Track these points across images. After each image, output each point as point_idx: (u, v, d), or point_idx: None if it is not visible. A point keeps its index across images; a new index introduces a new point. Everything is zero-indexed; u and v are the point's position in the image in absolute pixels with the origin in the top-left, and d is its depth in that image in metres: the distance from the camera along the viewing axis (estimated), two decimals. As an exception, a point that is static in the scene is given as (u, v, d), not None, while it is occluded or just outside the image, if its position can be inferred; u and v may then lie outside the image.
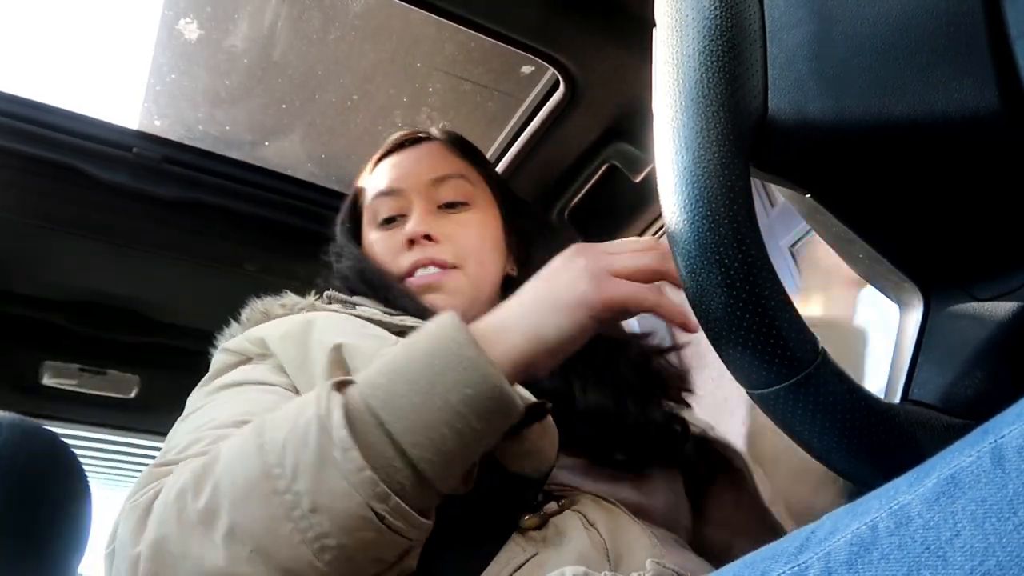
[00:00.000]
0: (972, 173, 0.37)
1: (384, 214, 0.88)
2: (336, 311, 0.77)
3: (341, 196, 1.29)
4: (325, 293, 0.82)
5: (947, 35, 0.32)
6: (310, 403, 0.53)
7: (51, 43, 1.30)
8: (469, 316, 0.82)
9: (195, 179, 1.23)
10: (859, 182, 0.39)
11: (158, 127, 1.30)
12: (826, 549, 0.29)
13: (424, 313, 0.77)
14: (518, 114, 1.24)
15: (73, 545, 0.78)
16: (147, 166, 1.19)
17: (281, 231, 1.28)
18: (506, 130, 1.25)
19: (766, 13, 0.36)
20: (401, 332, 0.72)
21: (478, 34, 1.03)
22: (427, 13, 1.00)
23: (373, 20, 1.25)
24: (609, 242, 0.61)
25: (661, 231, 1.30)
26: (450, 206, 0.87)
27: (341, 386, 0.53)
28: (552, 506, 0.62)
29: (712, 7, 0.35)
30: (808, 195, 0.41)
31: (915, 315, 0.42)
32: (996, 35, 0.31)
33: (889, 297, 0.44)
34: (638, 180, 1.20)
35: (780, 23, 0.36)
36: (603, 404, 0.71)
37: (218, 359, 0.74)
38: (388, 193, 0.88)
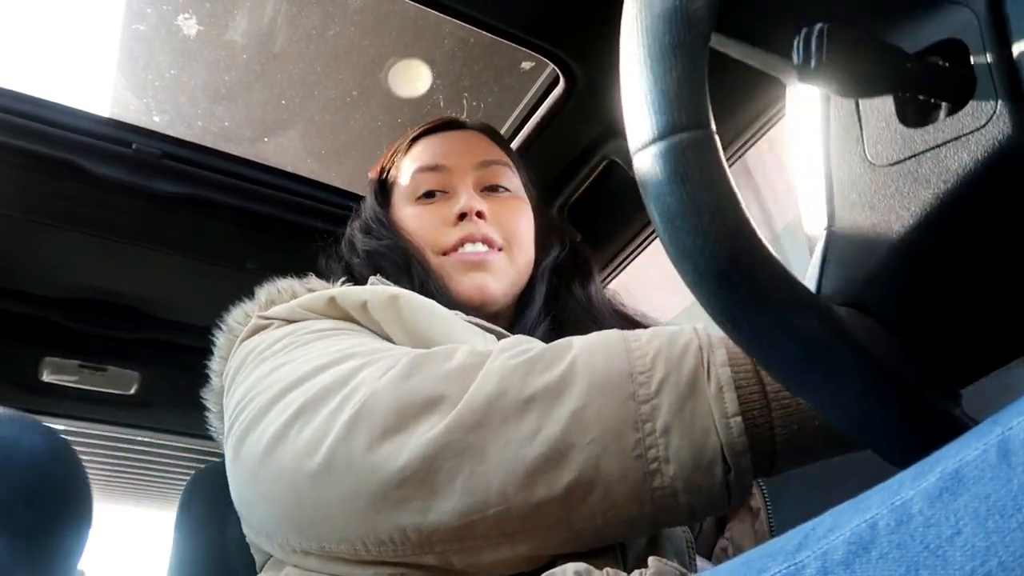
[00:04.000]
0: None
1: (426, 188, 0.87)
2: (415, 296, 0.73)
3: (341, 192, 1.30)
4: (372, 278, 0.80)
5: None
6: (686, 332, 0.50)
7: (38, 36, 1.30)
8: (504, 301, 0.83)
9: (195, 175, 1.22)
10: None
11: (157, 123, 1.30)
12: (824, 547, 0.28)
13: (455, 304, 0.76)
14: (518, 110, 1.23)
15: (73, 542, 0.78)
16: (146, 162, 1.18)
17: (281, 227, 1.28)
18: (506, 126, 1.25)
19: None
20: None
21: (478, 29, 1.03)
22: (427, 8, 0.99)
23: (372, 16, 1.24)
24: None
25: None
26: (494, 189, 0.88)
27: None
28: None
29: None
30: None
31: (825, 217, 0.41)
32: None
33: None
34: (638, 176, 1.19)
35: None
36: None
37: (268, 322, 0.70)
38: (433, 168, 0.88)
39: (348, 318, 0.68)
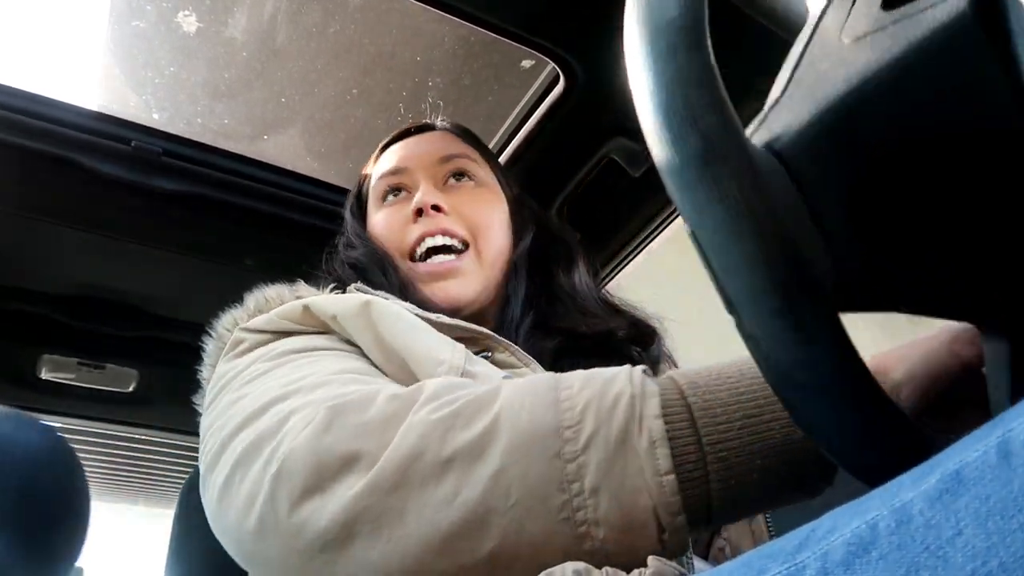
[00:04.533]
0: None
1: (388, 190, 0.88)
2: (389, 303, 0.72)
3: (341, 191, 1.30)
4: (351, 286, 0.80)
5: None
6: (620, 376, 0.48)
7: (36, 32, 1.29)
8: (481, 301, 0.82)
9: (194, 173, 1.22)
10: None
11: (157, 120, 1.30)
12: (824, 548, 0.28)
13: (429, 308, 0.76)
14: (518, 108, 1.23)
15: (71, 539, 0.78)
16: (146, 159, 1.18)
17: (280, 225, 1.28)
18: (506, 124, 1.25)
19: None
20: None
21: (478, 28, 1.02)
22: (427, 6, 0.99)
23: (372, 13, 1.24)
24: None
25: (660, 227, 1.30)
26: (457, 176, 0.87)
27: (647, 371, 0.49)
28: None
29: None
30: None
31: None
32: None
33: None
34: (638, 175, 1.19)
35: None
36: None
37: (248, 336, 0.69)
38: (394, 172, 0.88)
39: (324, 327, 0.68)
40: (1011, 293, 0.36)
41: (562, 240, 0.92)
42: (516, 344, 0.76)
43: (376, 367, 0.65)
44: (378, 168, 0.92)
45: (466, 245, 0.83)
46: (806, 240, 0.36)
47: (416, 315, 0.70)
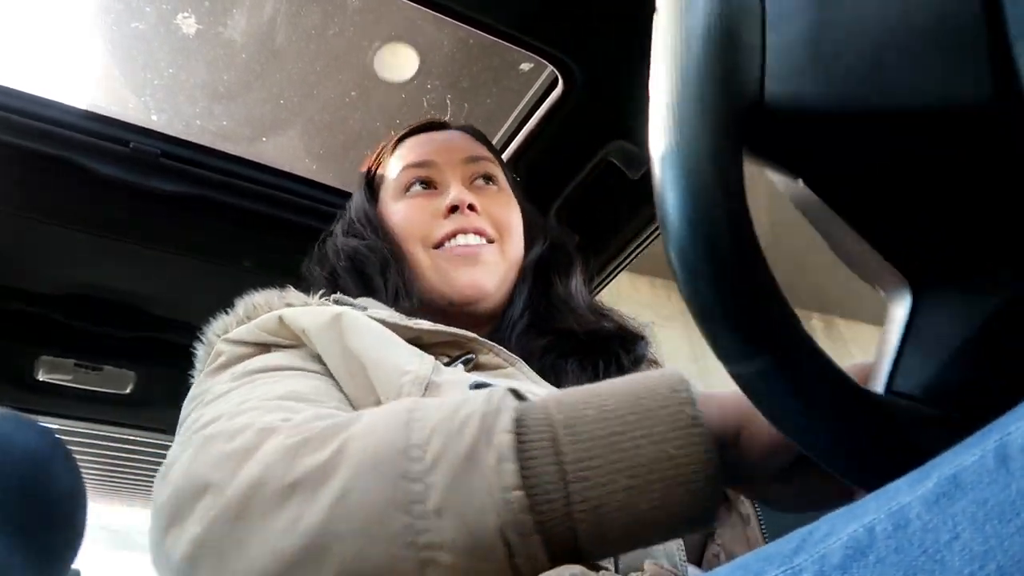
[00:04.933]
0: (965, 168, 0.37)
1: (416, 182, 0.87)
2: (360, 315, 0.72)
3: (339, 192, 1.30)
4: (332, 297, 0.79)
5: (945, 29, 0.32)
6: (480, 396, 0.46)
7: (35, 33, 1.29)
8: (496, 296, 0.83)
9: (192, 174, 1.22)
10: (852, 170, 0.40)
11: (155, 122, 1.30)
12: (821, 552, 0.28)
13: (437, 307, 0.77)
14: (516, 111, 1.23)
15: (68, 541, 0.78)
16: (144, 161, 1.18)
17: (279, 227, 1.28)
18: (504, 127, 1.25)
19: (767, 1, 0.37)
20: (415, 340, 0.70)
21: (477, 30, 1.03)
22: (426, 9, 0.99)
23: (371, 16, 1.24)
24: None
25: (658, 230, 1.29)
26: (485, 179, 0.88)
27: (521, 394, 0.47)
28: None
29: None
30: (799, 180, 0.40)
31: (903, 307, 0.41)
32: (995, 34, 0.31)
33: (876, 287, 0.44)
34: (636, 178, 1.20)
35: (780, 11, 0.36)
36: None
37: (221, 351, 0.69)
38: (421, 165, 0.88)
39: (297, 339, 0.67)
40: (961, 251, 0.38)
41: (562, 247, 0.93)
42: (510, 344, 0.77)
43: (338, 384, 0.64)
44: (399, 159, 0.91)
45: (491, 241, 0.84)
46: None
47: (396, 324, 0.70)
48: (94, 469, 2.59)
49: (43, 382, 1.46)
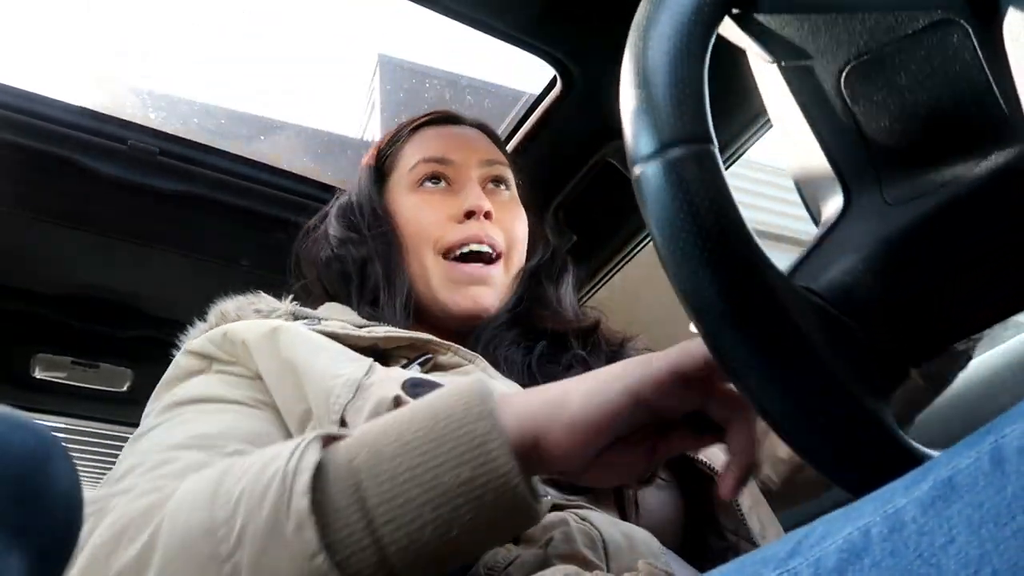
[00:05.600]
0: (926, 77, 0.39)
1: (431, 178, 0.85)
2: (300, 328, 0.71)
3: (337, 191, 1.30)
4: (289, 309, 0.78)
5: None
6: (283, 454, 0.44)
7: (33, 30, 1.29)
8: (492, 311, 0.82)
9: (190, 172, 1.22)
10: (822, 62, 0.42)
11: (153, 119, 1.29)
12: (816, 555, 0.28)
13: (432, 311, 0.77)
14: (515, 110, 1.23)
15: (65, 540, 0.77)
16: (142, 159, 1.18)
17: (276, 225, 1.27)
18: (503, 127, 1.25)
19: None
20: (372, 348, 0.70)
21: (476, 31, 1.02)
22: (425, 8, 0.99)
23: (370, 16, 1.24)
24: None
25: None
26: (498, 184, 0.87)
27: (330, 439, 0.46)
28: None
29: None
30: (779, 63, 0.43)
31: (833, 207, 0.44)
32: None
33: (811, 196, 0.46)
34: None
35: None
36: None
37: (178, 362, 0.69)
38: (438, 160, 0.85)
39: (236, 354, 0.67)
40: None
41: (558, 254, 0.92)
42: (479, 343, 0.77)
43: (264, 404, 0.64)
44: (414, 149, 0.87)
45: (499, 256, 0.82)
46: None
47: (348, 335, 0.70)
48: (91, 467, 2.59)
49: (40, 380, 1.46)
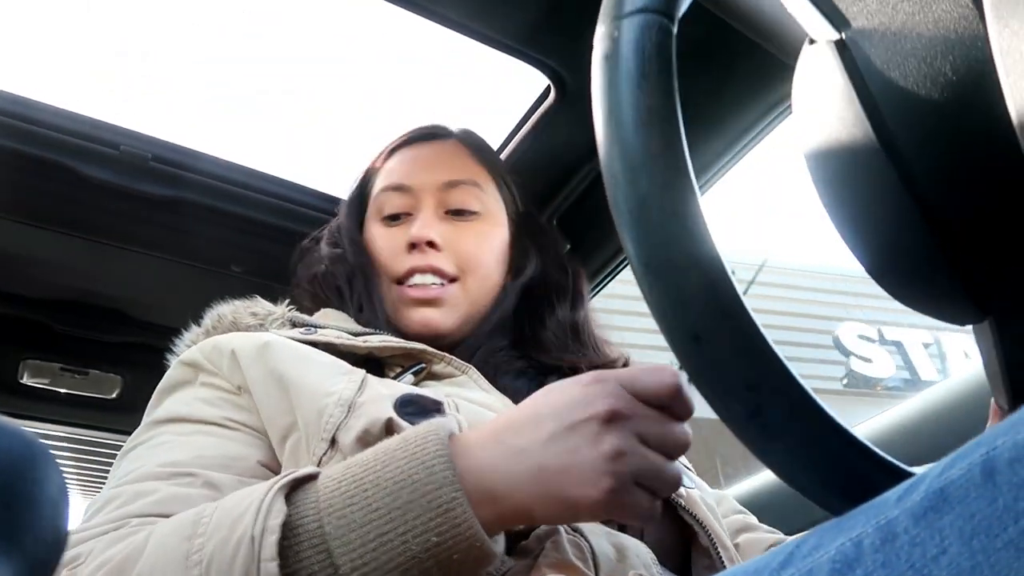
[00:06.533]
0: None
1: (389, 210, 0.86)
2: (294, 337, 0.72)
3: (329, 198, 1.30)
4: (287, 316, 0.79)
5: None
6: (250, 510, 0.45)
7: (27, 36, 1.29)
8: (462, 331, 0.82)
9: (181, 178, 1.22)
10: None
11: (145, 125, 1.29)
12: (809, 565, 0.28)
13: (399, 331, 0.77)
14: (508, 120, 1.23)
15: (51, 547, 0.77)
16: (133, 164, 1.18)
17: (268, 232, 1.27)
18: (495, 136, 1.25)
19: None
20: (368, 357, 0.70)
21: (470, 39, 1.03)
22: (418, 16, 0.99)
23: (367, 23, 1.24)
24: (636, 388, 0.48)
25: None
26: (458, 213, 0.85)
27: (297, 486, 0.47)
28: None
29: None
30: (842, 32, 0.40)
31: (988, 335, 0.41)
32: None
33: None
34: (628, 187, 1.20)
35: None
36: None
37: (169, 373, 0.70)
38: (397, 188, 0.86)
39: (222, 367, 0.67)
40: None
41: (570, 271, 0.90)
42: (474, 356, 0.77)
43: (249, 411, 0.64)
44: (384, 176, 0.89)
45: (453, 280, 0.82)
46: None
47: (345, 344, 0.70)
48: (79, 474, 2.56)
49: (27, 386, 1.45)
